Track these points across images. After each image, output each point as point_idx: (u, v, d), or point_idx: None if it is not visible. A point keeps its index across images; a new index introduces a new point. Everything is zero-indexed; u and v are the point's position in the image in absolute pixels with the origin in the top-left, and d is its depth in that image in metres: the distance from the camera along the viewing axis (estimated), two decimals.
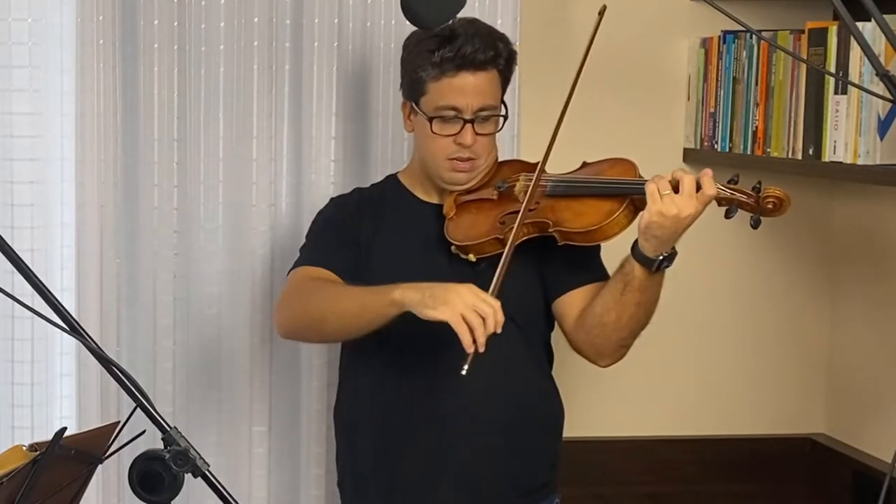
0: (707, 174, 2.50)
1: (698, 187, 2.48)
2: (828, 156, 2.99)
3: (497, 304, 2.45)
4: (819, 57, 3.00)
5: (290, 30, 3.19)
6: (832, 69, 2.95)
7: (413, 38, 2.76)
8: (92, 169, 3.08)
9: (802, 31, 3.08)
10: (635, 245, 2.56)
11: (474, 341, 2.41)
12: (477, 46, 2.68)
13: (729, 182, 2.52)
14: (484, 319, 2.42)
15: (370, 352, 2.72)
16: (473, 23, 2.75)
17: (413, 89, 2.74)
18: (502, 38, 2.76)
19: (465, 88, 2.68)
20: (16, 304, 1.95)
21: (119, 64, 3.10)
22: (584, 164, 2.78)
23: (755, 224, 2.50)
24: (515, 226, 2.60)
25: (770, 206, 2.49)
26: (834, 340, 3.63)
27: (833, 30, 2.97)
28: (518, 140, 3.19)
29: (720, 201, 2.51)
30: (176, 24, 3.14)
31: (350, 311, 2.61)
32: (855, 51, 2.90)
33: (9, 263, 1.90)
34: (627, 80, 3.45)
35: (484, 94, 2.70)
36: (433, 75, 2.69)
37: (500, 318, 2.44)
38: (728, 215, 2.53)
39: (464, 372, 2.41)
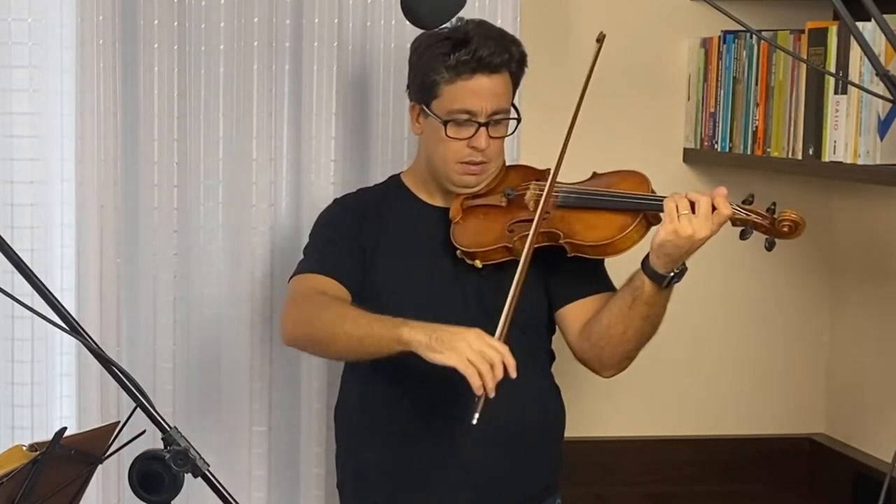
0: (721, 193, 2.49)
1: (713, 207, 2.48)
2: (828, 156, 2.99)
3: (505, 348, 2.42)
4: (819, 57, 3.00)
5: (290, 30, 3.19)
6: (832, 69, 2.95)
7: (423, 40, 2.74)
8: (92, 169, 3.08)
9: (802, 31, 3.08)
10: (646, 261, 2.56)
11: (484, 386, 2.38)
12: (492, 49, 2.66)
13: (743, 202, 2.52)
14: (492, 365, 2.39)
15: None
16: (483, 24, 2.73)
17: (424, 92, 2.72)
18: (514, 41, 2.75)
19: (480, 91, 2.67)
20: (16, 304, 1.95)
21: (119, 64, 3.10)
22: (595, 175, 2.75)
23: (769, 246, 2.50)
24: (528, 243, 2.58)
25: (786, 229, 2.49)
26: (834, 340, 3.63)
27: (833, 30, 2.97)
28: (518, 142, 3.18)
29: (735, 222, 2.50)
30: (176, 24, 3.14)
31: (356, 336, 2.55)
32: (855, 51, 2.90)
33: (9, 263, 1.90)
34: (628, 79, 3.45)
35: (498, 97, 2.69)
36: (447, 78, 2.67)
37: (511, 361, 2.41)
38: (743, 237, 2.52)
39: (475, 421, 2.38)
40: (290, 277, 2.80)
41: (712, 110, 3.40)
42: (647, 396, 3.57)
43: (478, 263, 2.69)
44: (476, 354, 2.39)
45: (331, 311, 2.62)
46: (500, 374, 2.39)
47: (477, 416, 2.38)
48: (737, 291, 3.60)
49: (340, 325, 2.58)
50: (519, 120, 2.77)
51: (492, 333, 2.46)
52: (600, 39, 2.72)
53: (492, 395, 2.39)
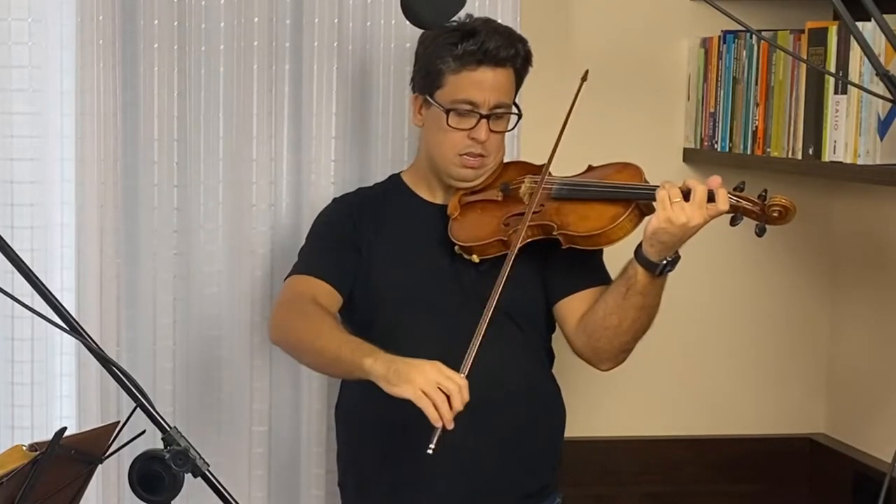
0: (716, 184, 2.50)
1: (710, 197, 2.48)
2: (828, 156, 2.99)
3: (464, 382, 2.43)
4: (819, 57, 3.00)
5: (290, 30, 3.19)
6: (832, 69, 2.95)
7: (430, 33, 2.76)
8: (92, 169, 3.08)
9: (802, 31, 3.08)
10: (639, 249, 2.56)
11: (441, 418, 2.39)
12: (499, 43, 2.70)
13: (735, 189, 2.53)
14: (449, 397, 2.40)
15: None
16: (491, 22, 2.78)
17: (429, 82, 2.74)
18: (521, 39, 2.78)
19: (484, 83, 2.69)
20: (16, 304, 1.95)
21: (119, 64, 3.10)
22: (590, 168, 2.77)
23: (760, 232, 2.51)
24: (520, 231, 2.59)
25: (776, 214, 2.50)
26: (834, 340, 3.62)
27: (833, 30, 2.97)
28: (518, 141, 3.18)
29: None
30: (176, 24, 3.14)
31: (325, 357, 2.61)
32: (855, 51, 2.90)
33: (9, 263, 1.90)
34: (627, 80, 3.45)
35: (501, 91, 2.71)
36: (453, 68, 2.70)
37: (466, 396, 2.42)
38: (733, 223, 2.53)
39: (430, 451, 2.39)
40: (286, 277, 2.82)
41: (712, 110, 3.40)
42: (647, 396, 3.57)
43: (475, 258, 2.71)
44: (431, 386, 2.40)
45: (308, 323, 2.66)
46: (458, 406, 2.40)
47: (432, 446, 2.39)
48: (737, 292, 3.60)
49: (314, 340, 2.63)
50: (520, 116, 2.79)
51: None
52: (585, 78, 2.72)
53: (449, 426, 2.39)
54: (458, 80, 2.70)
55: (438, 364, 2.45)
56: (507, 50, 2.70)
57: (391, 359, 2.48)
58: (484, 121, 2.71)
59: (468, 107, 2.71)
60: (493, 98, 2.70)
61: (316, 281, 2.75)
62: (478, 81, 2.70)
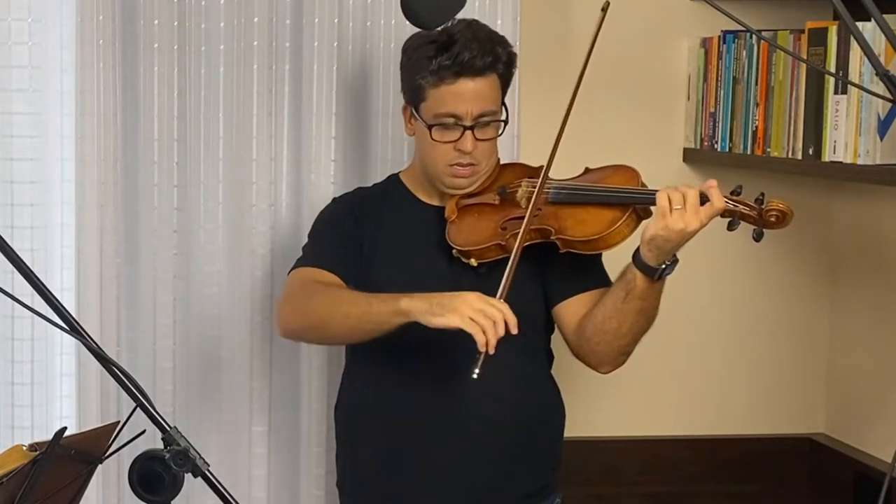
0: (713, 186, 2.49)
1: (703, 200, 2.48)
2: (828, 156, 2.99)
3: (505, 306, 2.46)
4: (819, 57, 3.00)
5: (290, 30, 3.19)
6: (832, 69, 2.95)
7: (412, 43, 2.74)
8: (92, 169, 3.08)
9: (802, 31, 3.08)
10: (637, 254, 2.56)
11: (487, 342, 2.41)
12: (475, 52, 2.66)
13: (732, 193, 2.52)
14: (494, 322, 2.42)
15: (375, 354, 2.72)
16: (472, 26, 2.72)
17: (413, 95, 2.73)
18: (501, 42, 2.74)
19: (464, 95, 2.67)
20: (16, 304, 1.95)
21: (119, 64, 3.10)
22: (587, 170, 2.76)
23: (757, 237, 2.50)
24: (520, 235, 2.59)
25: (773, 219, 2.49)
26: (834, 340, 3.62)
27: (833, 30, 2.97)
28: (518, 141, 3.18)
29: (723, 213, 2.50)
30: (176, 24, 3.15)
31: (354, 316, 2.59)
32: (855, 51, 2.90)
33: (9, 263, 1.90)
34: (627, 80, 3.45)
35: (483, 100, 2.69)
36: (432, 82, 2.68)
37: (512, 318, 2.45)
38: (731, 227, 2.52)
39: (475, 375, 2.41)
40: (289, 272, 2.81)
41: (712, 110, 3.40)
42: (647, 396, 3.57)
43: (473, 262, 2.70)
44: (477, 313, 2.43)
45: (326, 295, 2.66)
46: (501, 331, 2.43)
47: (477, 371, 2.41)
48: (737, 292, 3.60)
49: (337, 306, 2.62)
50: (506, 122, 2.77)
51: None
52: (605, 8, 2.70)
53: (492, 351, 2.42)
54: (438, 94, 2.68)
55: (478, 293, 2.47)
56: (483, 58, 2.67)
57: (429, 294, 2.50)
58: (469, 132, 2.69)
59: (451, 120, 2.69)
60: (475, 108, 2.68)
61: (321, 271, 2.74)
62: (457, 94, 2.67)
